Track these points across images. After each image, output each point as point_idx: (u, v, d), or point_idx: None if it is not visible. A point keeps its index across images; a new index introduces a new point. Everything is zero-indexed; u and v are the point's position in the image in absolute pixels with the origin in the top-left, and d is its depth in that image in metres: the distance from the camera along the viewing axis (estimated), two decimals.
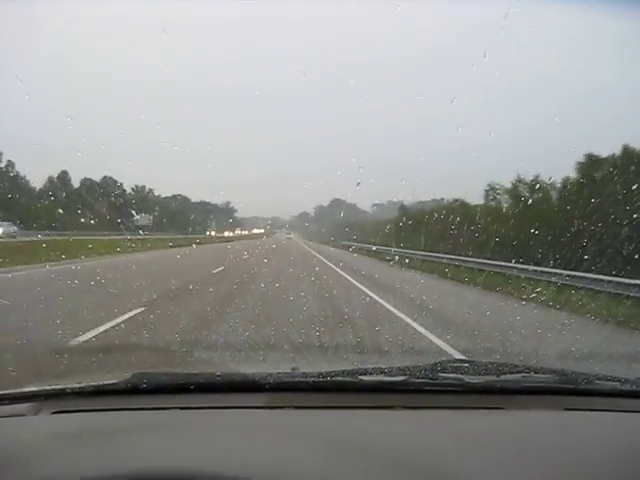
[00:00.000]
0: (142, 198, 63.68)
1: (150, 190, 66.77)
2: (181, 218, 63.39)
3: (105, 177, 59.18)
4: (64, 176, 58.60)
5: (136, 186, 64.33)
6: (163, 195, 69.80)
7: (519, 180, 27.18)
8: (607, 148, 23.19)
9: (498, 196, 29.51)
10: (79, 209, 39.96)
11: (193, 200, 72.34)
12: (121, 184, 59.09)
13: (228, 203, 77.23)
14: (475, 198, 32.16)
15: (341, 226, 46.13)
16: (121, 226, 38.13)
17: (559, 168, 24.95)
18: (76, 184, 58.15)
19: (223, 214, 73.75)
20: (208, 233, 62.34)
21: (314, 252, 36.13)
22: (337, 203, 60.85)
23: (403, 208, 38.31)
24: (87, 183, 58.90)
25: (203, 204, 71.86)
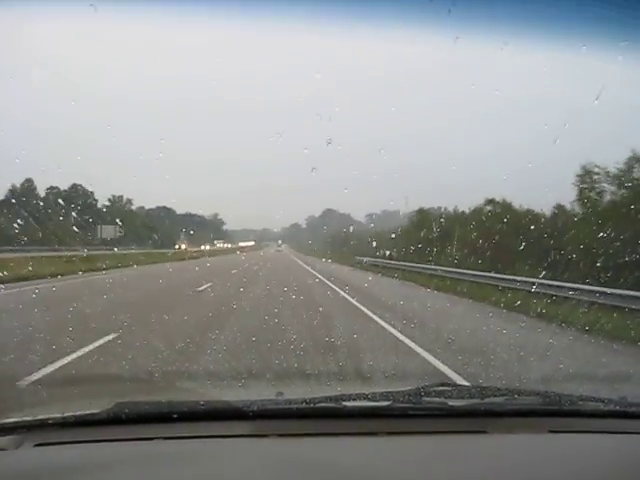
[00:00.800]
0: (118, 209, 59.28)
1: (129, 201, 62.45)
2: (162, 230, 58.53)
3: (75, 185, 52.84)
4: (28, 185, 51.64)
5: (113, 196, 59.70)
6: (147, 207, 65.70)
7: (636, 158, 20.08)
8: None
9: (596, 187, 21.98)
10: (39, 221, 33.70)
11: (179, 212, 68.21)
12: (92, 193, 53.19)
13: (216, 215, 75.30)
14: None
15: (336, 237, 43.87)
16: (77, 239, 33.08)
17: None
18: (42, 193, 51.45)
19: (211, 226, 71.23)
20: (177, 247, 54.99)
21: (323, 281, 23.78)
22: (329, 213, 60.35)
23: (423, 212, 34.57)
24: (54, 192, 52.10)
25: (189, 216, 67.79)
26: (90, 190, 51.76)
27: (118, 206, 60.28)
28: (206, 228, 67.64)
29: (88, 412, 2.34)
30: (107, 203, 58.34)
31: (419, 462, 2.06)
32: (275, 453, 2.13)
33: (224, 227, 75.99)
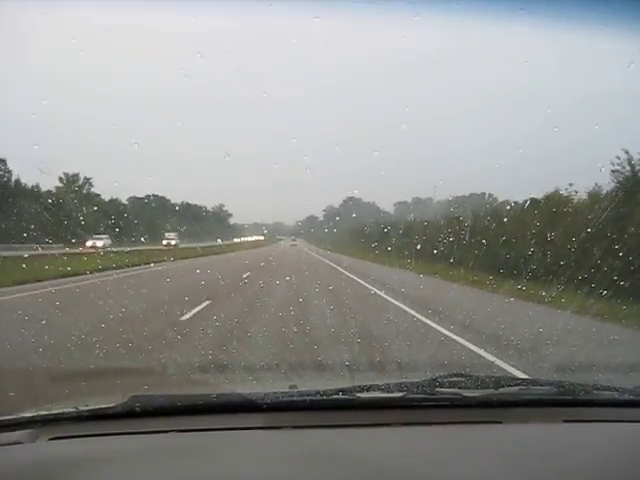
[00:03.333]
0: (74, 193, 43.63)
1: (87, 181, 46.90)
2: (150, 223, 45.18)
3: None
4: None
5: (65, 175, 44.88)
6: (139, 195, 53.29)
7: None
8: None
9: None
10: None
11: (173, 201, 56.44)
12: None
13: (221, 207, 64.74)
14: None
15: (359, 230, 36.14)
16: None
17: None
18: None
19: (215, 219, 61.96)
20: (166, 243, 40.76)
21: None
22: (351, 202, 50.25)
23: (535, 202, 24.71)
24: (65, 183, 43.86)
25: (186, 207, 53.65)
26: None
27: (73, 188, 45.60)
28: (208, 221, 59.03)
29: (102, 406, 2.35)
30: (62, 186, 44.42)
31: (434, 453, 2.06)
32: (289, 445, 2.13)
33: (230, 220, 66.77)
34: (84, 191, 46.59)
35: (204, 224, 55.19)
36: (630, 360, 6.96)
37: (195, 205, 58.58)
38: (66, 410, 2.32)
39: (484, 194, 36.00)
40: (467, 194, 35.70)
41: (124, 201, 49.59)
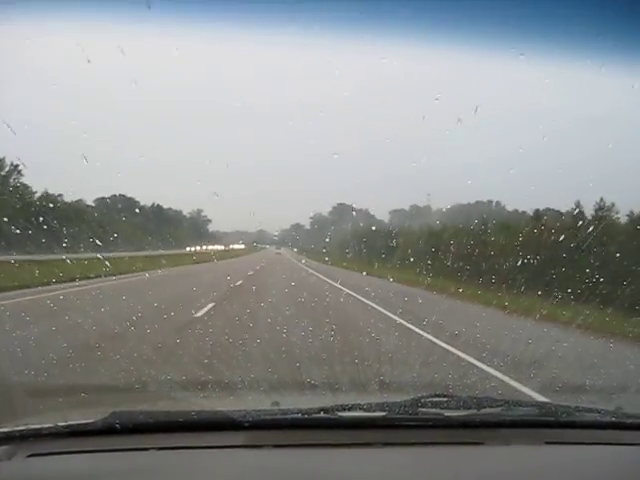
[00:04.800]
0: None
1: (14, 168, 36.10)
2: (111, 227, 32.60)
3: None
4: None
5: None
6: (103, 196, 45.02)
7: None
8: None
9: None
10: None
11: (143, 203, 50.14)
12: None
13: (199, 212, 59.42)
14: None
15: (355, 239, 30.62)
16: None
17: None
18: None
19: (192, 226, 56.90)
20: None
21: None
22: (342, 210, 45.84)
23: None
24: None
25: (157, 211, 51.05)
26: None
27: None
28: (183, 227, 54.72)
29: (82, 422, 2.32)
30: None
31: (415, 473, 2.05)
32: (270, 464, 2.11)
33: (209, 227, 60.75)
34: (11, 180, 37.30)
35: (178, 230, 50.36)
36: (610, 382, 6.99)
37: (169, 209, 53.97)
38: (45, 426, 2.29)
39: (490, 202, 34.46)
40: (472, 202, 33.84)
41: (90, 202, 42.27)
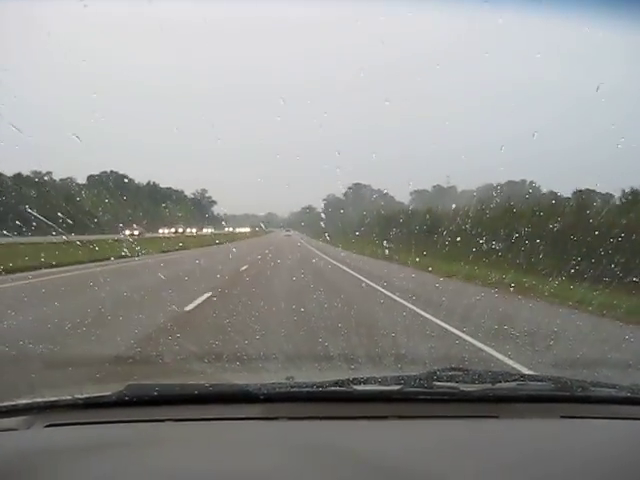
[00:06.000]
0: None
1: None
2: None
3: None
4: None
5: None
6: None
7: None
8: None
9: None
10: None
11: (138, 182, 46.81)
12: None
13: (203, 192, 55.24)
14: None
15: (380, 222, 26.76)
16: None
17: None
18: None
19: (196, 207, 52.00)
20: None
21: None
22: (358, 191, 42.88)
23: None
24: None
25: (153, 189, 46.81)
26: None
27: None
28: (184, 208, 48.93)
29: (99, 394, 2.36)
30: None
31: (429, 446, 2.06)
32: (285, 436, 2.13)
33: (215, 208, 55.13)
34: None
35: (177, 210, 45.20)
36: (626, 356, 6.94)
37: (169, 188, 48.60)
38: (62, 398, 2.33)
39: (524, 181, 31.96)
40: (503, 181, 30.51)
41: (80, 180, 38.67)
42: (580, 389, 2.55)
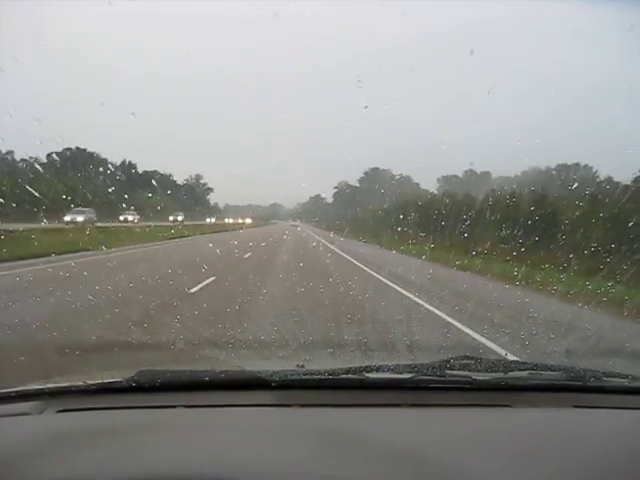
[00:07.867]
0: None
1: None
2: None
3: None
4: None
5: None
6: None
7: None
8: None
9: None
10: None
11: (112, 160, 41.51)
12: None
13: (198, 178, 49.66)
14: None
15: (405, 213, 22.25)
16: None
17: None
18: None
19: (188, 195, 46.15)
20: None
21: None
22: (376, 177, 37.40)
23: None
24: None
25: (145, 176, 41.15)
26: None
27: None
28: (175, 194, 43.15)
29: (110, 380, 2.36)
30: None
31: (442, 434, 2.05)
32: (297, 423, 2.13)
33: (211, 197, 49.72)
34: None
35: (162, 197, 38.73)
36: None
37: (154, 172, 42.96)
38: (74, 383, 2.34)
39: (577, 165, 28.76)
40: (553, 165, 27.99)
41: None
42: (593, 379, 2.53)
